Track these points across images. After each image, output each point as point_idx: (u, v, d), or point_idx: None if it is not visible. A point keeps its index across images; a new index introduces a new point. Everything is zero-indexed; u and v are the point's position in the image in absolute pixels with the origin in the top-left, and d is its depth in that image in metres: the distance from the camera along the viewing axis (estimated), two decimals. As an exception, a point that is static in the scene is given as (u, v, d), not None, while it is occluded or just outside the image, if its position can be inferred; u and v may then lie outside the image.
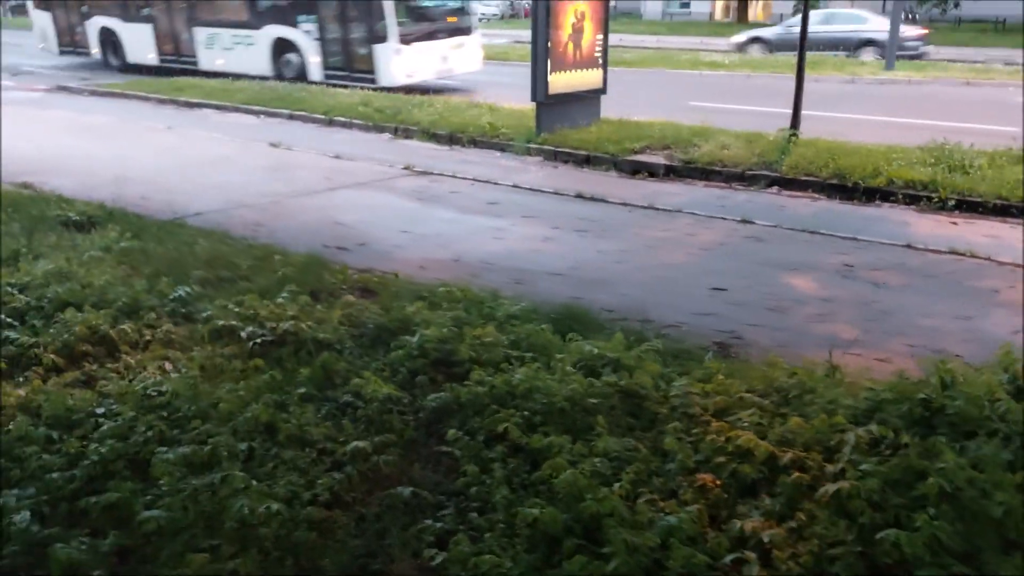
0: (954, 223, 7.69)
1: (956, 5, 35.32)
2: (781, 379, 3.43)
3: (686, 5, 49.68)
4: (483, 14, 55.58)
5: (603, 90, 12.24)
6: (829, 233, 7.00)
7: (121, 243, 5.79)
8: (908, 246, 6.61)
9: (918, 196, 8.39)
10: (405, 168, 9.71)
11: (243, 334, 4.14)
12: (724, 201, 8.56)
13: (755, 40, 25.62)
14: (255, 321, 4.30)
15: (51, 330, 4.03)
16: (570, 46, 11.36)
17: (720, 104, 14.66)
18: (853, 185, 8.76)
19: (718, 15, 48.31)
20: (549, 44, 10.92)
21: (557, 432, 3.02)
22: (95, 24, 20.55)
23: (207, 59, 18.33)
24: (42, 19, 22.15)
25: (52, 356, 3.76)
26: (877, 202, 8.47)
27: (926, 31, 24.98)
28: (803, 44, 10.12)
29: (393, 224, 7.29)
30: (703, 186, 9.40)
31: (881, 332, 4.83)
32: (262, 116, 13.99)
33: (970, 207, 8.09)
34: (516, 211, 7.86)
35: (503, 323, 4.35)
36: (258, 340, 4.08)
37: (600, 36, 11.88)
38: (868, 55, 22.05)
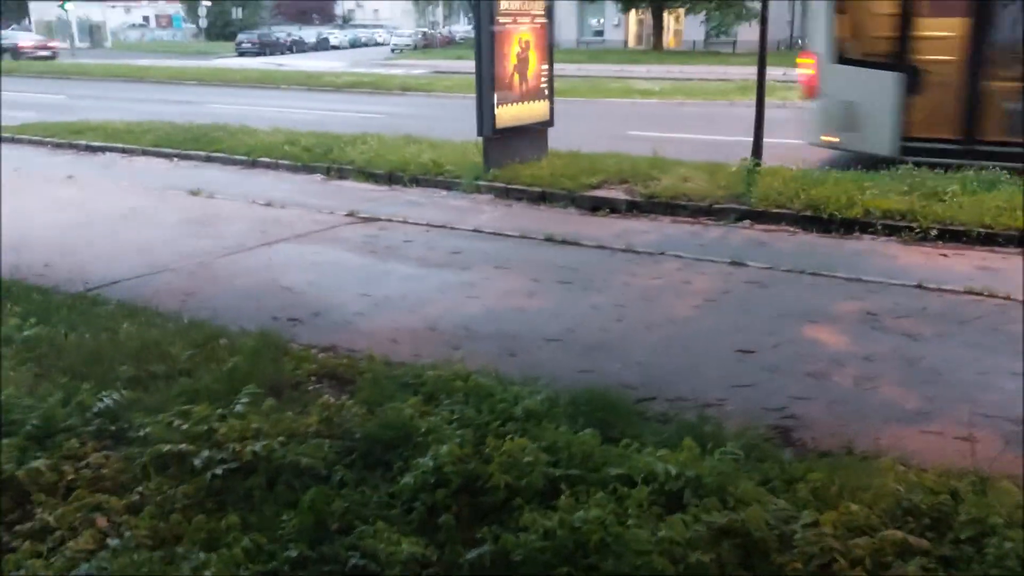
0: (944, 255, 7.28)
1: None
2: (915, 497, 2.72)
3: (600, 33, 50.28)
4: (395, 44, 55.16)
5: (550, 122, 11.61)
6: (830, 274, 6.45)
7: (24, 332, 4.70)
8: (919, 286, 6.10)
9: (898, 227, 7.98)
10: (348, 215, 8.78)
11: (197, 462, 3.19)
12: (700, 239, 7.97)
13: None
14: (210, 441, 3.35)
15: (-66, 478, 3.00)
16: (516, 77, 10.70)
17: (660, 133, 14.30)
18: (829, 217, 8.30)
19: (631, 43, 49.03)
20: (495, 75, 10.23)
21: (666, 610, 2.22)
22: None
23: None
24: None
25: (-65, 522, 2.75)
26: (857, 234, 8.02)
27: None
28: (762, 70, 9.69)
29: (348, 285, 6.38)
30: (670, 222, 8.81)
31: (943, 399, 4.21)
32: (175, 159, 12.79)
33: (953, 236, 7.71)
34: (484, 260, 7.05)
35: (524, 423, 3.52)
36: (218, 471, 3.13)
37: (545, 66, 11.27)
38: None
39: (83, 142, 13.92)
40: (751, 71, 24.88)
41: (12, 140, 14.63)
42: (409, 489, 2.98)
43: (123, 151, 13.40)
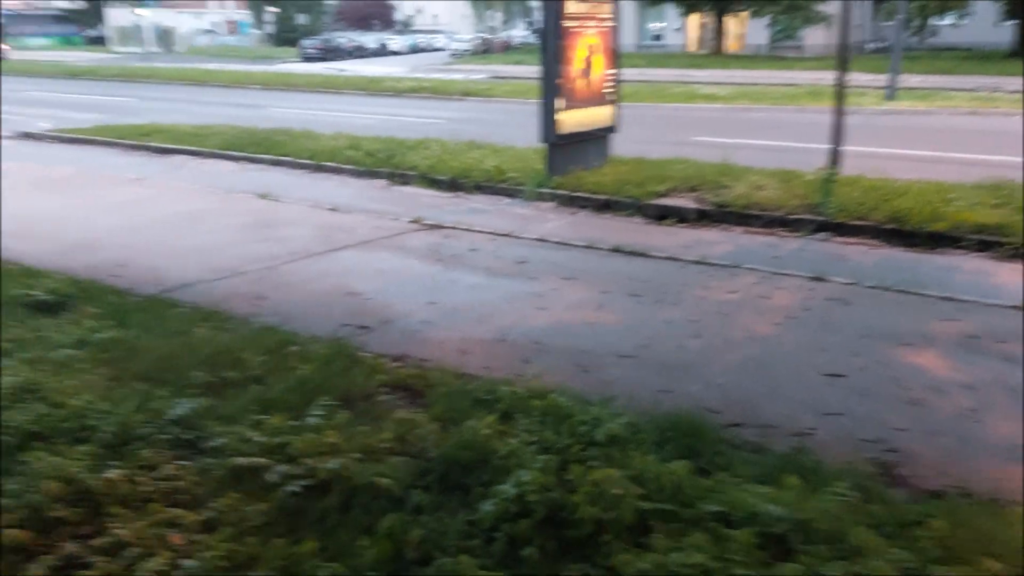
0: (1042, 273, 6.87)
1: (933, 34, 35.42)
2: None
3: (658, 37, 49.79)
4: (454, 49, 55.46)
5: (615, 128, 11.43)
6: (919, 292, 6.12)
7: (99, 334, 4.71)
8: (1021, 308, 5.74)
9: (989, 242, 7.58)
10: (412, 221, 8.71)
11: (271, 477, 3.10)
12: (776, 251, 7.68)
13: None
14: (284, 455, 3.26)
15: (13, 484, 2.95)
16: (581, 82, 10.54)
17: (727, 139, 13.97)
18: (913, 230, 7.94)
19: (691, 47, 48.43)
20: (560, 80, 10.08)
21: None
22: None
23: None
24: None
25: (14, 530, 2.68)
26: (944, 249, 7.64)
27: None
28: (842, 73, 9.32)
29: (415, 293, 6.28)
30: (742, 232, 8.54)
31: (1060, 434, 3.90)
32: (242, 162, 12.94)
33: (1053, 254, 7.28)
34: (551, 271, 6.89)
35: (607, 448, 3.35)
36: (293, 488, 3.03)
37: (611, 71, 11.09)
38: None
39: (154, 144, 14.18)
40: (819, 75, 24.53)
41: (86, 141, 15.03)
42: (490, 518, 2.83)
43: (192, 153, 13.61)
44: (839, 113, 9.37)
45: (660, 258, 7.27)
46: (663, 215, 9.20)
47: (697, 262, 7.11)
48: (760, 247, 7.85)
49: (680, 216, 9.10)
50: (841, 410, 4.17)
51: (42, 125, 16.94)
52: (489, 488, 3.02)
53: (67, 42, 68.54)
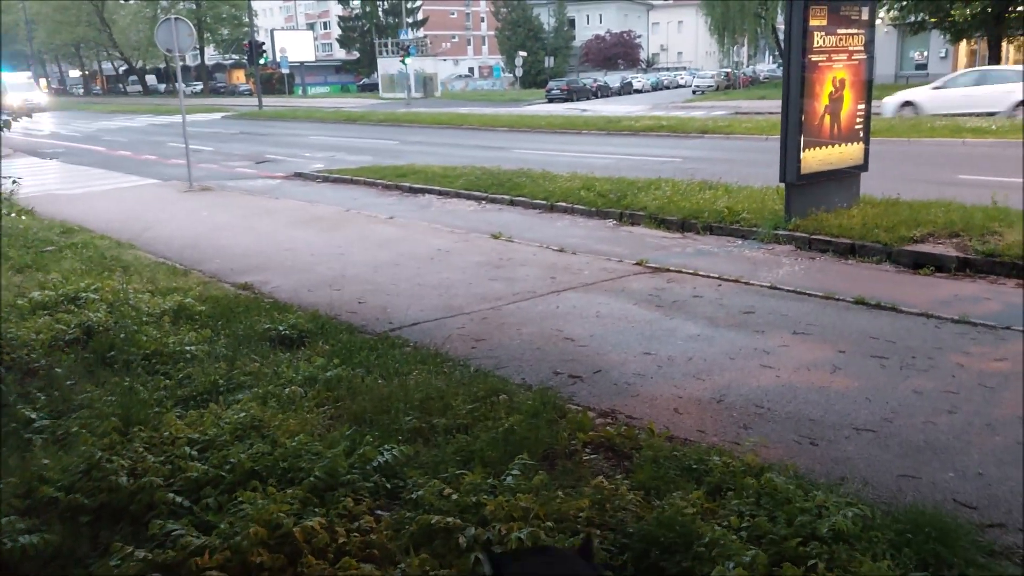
0: None
1: None
2: None
3: (922, 67, 45.83)
4: (697, 86, 54.73)
5: (864, 167, 10.51)
6: None
7: (327, 372, 4.99)
8: None
9: None
10: (636, 264, 8.52)
11: (462, 540, 3.03)
12: (1060, 312, 6.56)
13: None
14: (477, 516, 3.19)
15: (223, 524, 3.12)
16: (827, 118, 9.84)
17: (999, 178, 12.37)
18: None
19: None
20: (803, 117, 9.45)
21: None
22: None
23: None
24: None
25: (215, 572, 2.82)
26: None
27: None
28: None
29: (631, 342, 6.06)
30: (1014, 287, 7.43)
31: None
32: (482, 202, 13.49)
33: None
34: (781, 324, 6.37)
35: (831, 546, 2.92)
36: (481, 555, 2.94)
37: (861, 105, 10.25)
38: None
39: (407, 184, 15.20)
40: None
41: (348, 181, 16.49)
42: (687, 614, 2.55)
43: (439, 193, 14.41)
44: None
45: (912, 314, 6.48)
46: (918, 263, 8.27)
47: (957, 321, 6.24)
48: (1040, 306, 6.75)
49: (938, 265, 8.12)
50: None
51: (315, 167, 18.87)
52: (687, 580, 2.74)
53: (343, 89, 76.73)
